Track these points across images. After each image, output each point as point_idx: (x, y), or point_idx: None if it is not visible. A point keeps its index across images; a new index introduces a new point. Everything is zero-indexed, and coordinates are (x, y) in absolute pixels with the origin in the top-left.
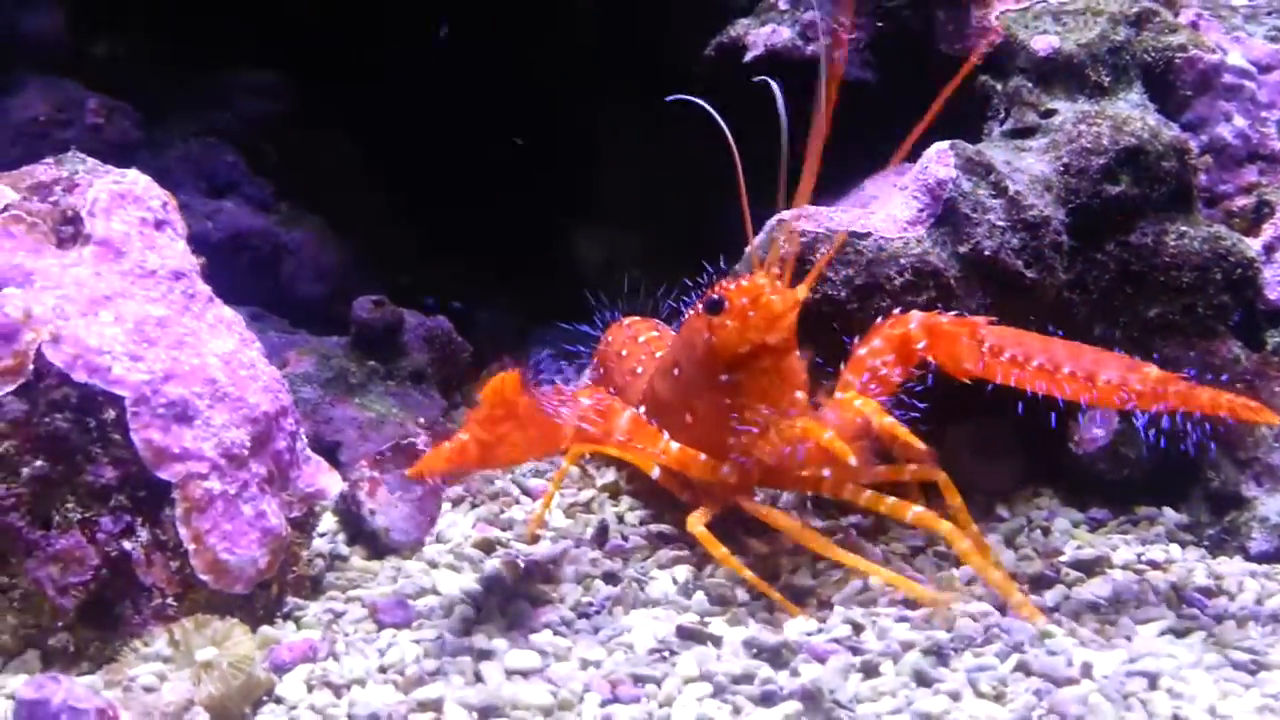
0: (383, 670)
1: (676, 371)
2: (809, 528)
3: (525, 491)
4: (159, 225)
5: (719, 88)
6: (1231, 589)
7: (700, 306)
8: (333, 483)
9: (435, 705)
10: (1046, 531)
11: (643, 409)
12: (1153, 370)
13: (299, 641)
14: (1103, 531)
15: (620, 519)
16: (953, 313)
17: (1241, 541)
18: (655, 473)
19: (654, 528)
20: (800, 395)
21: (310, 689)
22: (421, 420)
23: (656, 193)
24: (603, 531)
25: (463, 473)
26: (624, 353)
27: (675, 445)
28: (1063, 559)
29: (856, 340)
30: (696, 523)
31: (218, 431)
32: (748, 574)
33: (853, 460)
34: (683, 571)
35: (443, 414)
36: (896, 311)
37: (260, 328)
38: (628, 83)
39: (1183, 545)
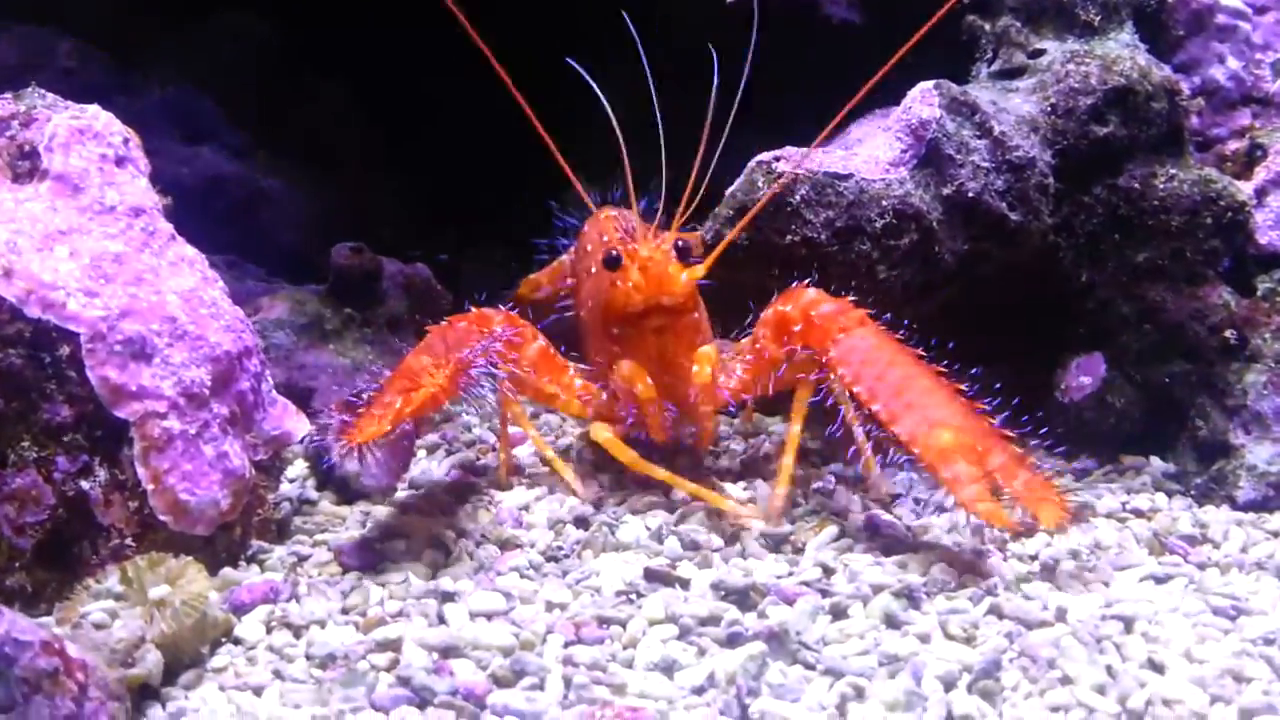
0: (345, 612)
1: (590, 303)
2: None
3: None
4: (120, 162)
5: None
6: (1217, 537)
7: (600, 257)
8: (300, 426)
9: (394, 645)
10: None
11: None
12: (946, 435)
13: (259, 583)
14: (1088, 481)
15: (596, 468)
16: (846, 299)
17: (1229, 490)
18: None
19: (630, 474)
20: (693, 353)
21: (269, 630)
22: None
23: (651, 146)
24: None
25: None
26: (589, 247)
27: (578, 382)
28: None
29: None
30: (601, 430)
31: (177, 370)
32: (662, 473)
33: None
34: (656, 518)
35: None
36: (807, 283)
37: (236, 275)
38: (624, 34)
39: (1169, 494)
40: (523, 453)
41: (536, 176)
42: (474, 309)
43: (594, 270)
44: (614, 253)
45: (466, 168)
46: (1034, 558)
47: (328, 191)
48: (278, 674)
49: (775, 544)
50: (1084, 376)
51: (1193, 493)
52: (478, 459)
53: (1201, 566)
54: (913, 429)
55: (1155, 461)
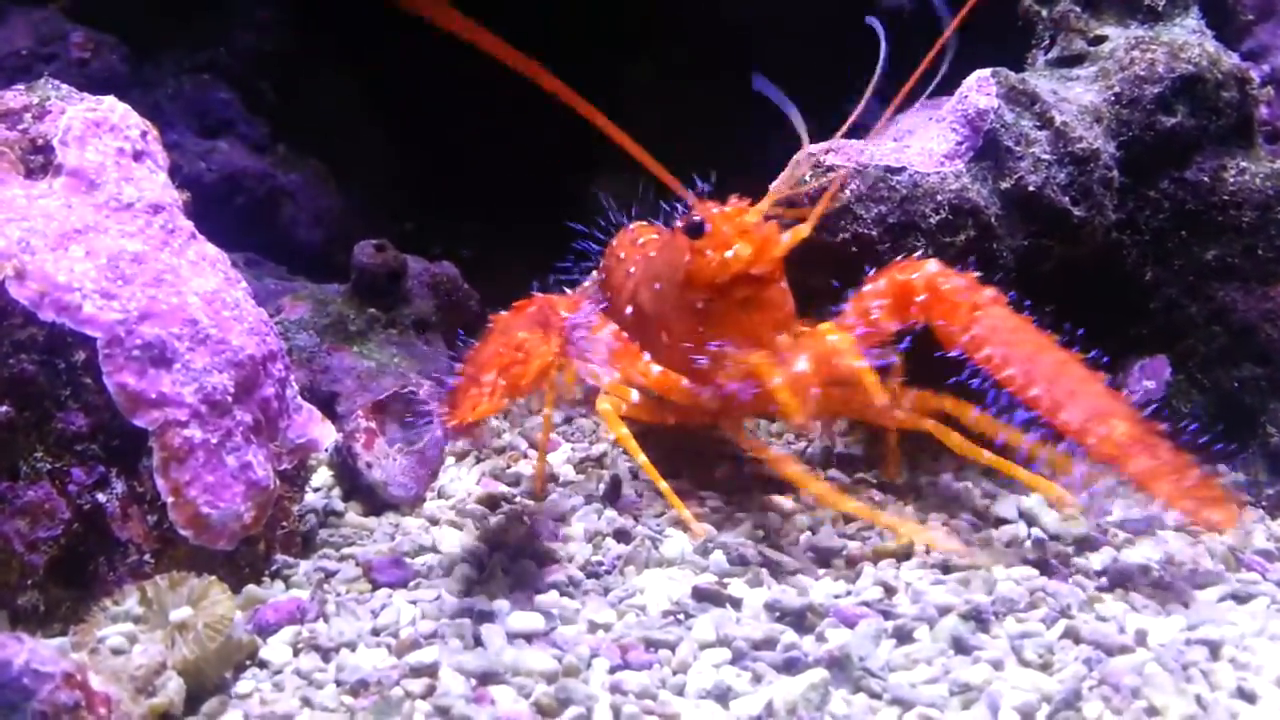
0: (375, 633)
1: (658, 286)
2: (792, 460)
3: (533, 445)
4: (138, 156)
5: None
6: None
7: (681, 225)
8: (326, 433)
9: (430, 670)
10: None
11: (630, 310)
12: (1120, 427)
13: (285, 601)
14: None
15: (634, 474)
16: (972, 274)
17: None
18: (632, 400)
19: (669, 483)
20: (781, 327)
21: (296, 652)
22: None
23: (675, 141)
24: (615, 486)
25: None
26: (622, 255)
27: (656, 369)
28: (1110, 519)
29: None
30: (604, 402)
31: (198, 376)
32: (642, 458)
33: (798, 419)
34: (699, 529)
35: (449, 363)
36: (917, 256)
37: (255, 274)
38: (650, 30)
39: (1240, 506)
40: (556, 459)
41: (560, 170)
42: (533, 296)
43: (655, 254)
44: (697, 218)
45: (489, 161)
46: (1101, 573)
47: (349, 186)
48: (306, 701)
49: (826, 558)
50: (1148, 380)
51: (1264, 503)
52: (508, 466)
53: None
54: (1084, 419)
55: (1224, 471)
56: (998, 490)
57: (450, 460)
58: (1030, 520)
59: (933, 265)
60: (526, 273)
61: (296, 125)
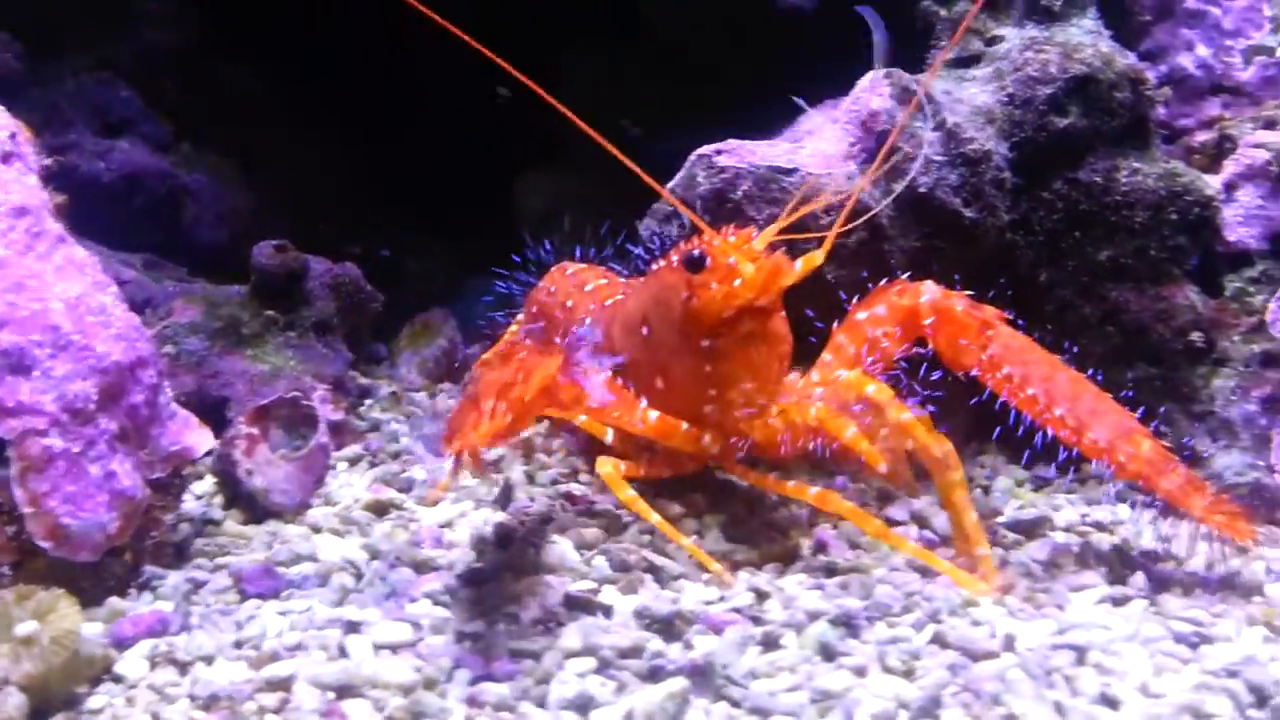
0: (238, 645)
1: (646, 330)
2: (827, 491)
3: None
4: (6, 158)
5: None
6: (1181, 553)
7: (674, 260)
8: (202, 440)
9: (285, 684)
10: (987, 490)
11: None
12: (1145, 444)
13: (146, 614)
14: (1047, 491)
15: (531, 479)
16: (965, 294)
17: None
18: (609, 437)
19: (565, 488)
20: (784, 362)
21: (153, 665)
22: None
23: (607, 134)
24: (507, 492)
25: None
26: (570, 303)
27: (654, 414)
28: (1001, 520)
29: (855, 301)
30: (605, 465)
31: (59, 383)
32: (655, 518)
33: (882, 467)
34: (587, 535)
35: (348, 366)
36: (904, 277)
37: (154, 275)
38: (579, 20)
39: (1133, 505)
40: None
41: (485, 168)
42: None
43: (632, 298)
44: (696, 251)
45: (409, 161)
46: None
47: (258, 185)
48: (155, 716)
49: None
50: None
51: (1158, 504)
52: (402, 471)
53: (1164, 585)
54: (1111, 438)
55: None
56: (892, 492)
57: (344, 465)
58: (921, 523)
59: (932, 287)
60: (447, 272)
61: (202, 123)
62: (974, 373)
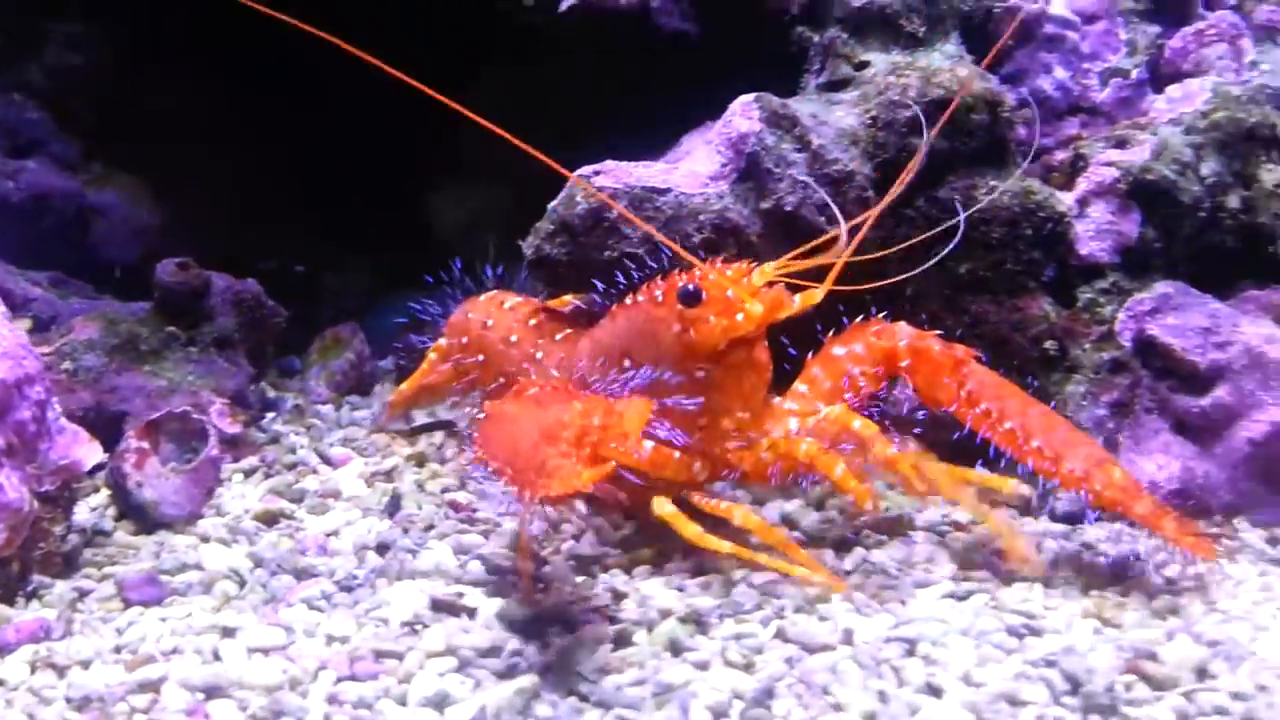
0: (117, 650)
1: (629, 364)
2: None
3: (326, 460)
4: None
5: (541, 40)
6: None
7: (657, 294)
8: (91, 454)
9: (155, 685)
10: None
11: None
12: (1116, 472)
13: (30, 621)
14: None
15: (420, 487)
16: (935, 333)
17: (1050, 503)
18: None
19: (453, 496)
20: (767, 388)
21: (34, 670)
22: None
23: (519, 152)
24: (395, 501)
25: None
26: (514, 338)
27: (649, 445)
28: (864, 520)
29: (830, 335)
30: (664, 505)
31: None
32: (726, 546)
33: (869, 505)
34: (465, 541)
35: (250, 381)
36: (882, 316)
37: (61, 293)
38: (492, 37)
39: (995, 505)
40: (348, 473)
41: (398, 185)
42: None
43: (606, 330)
44: (691, 286)
45: (328, 177)
46: (850, 572)
47: (170, 204)
48: (31, 717)
49: (583, 566)
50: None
51: (1017, 504)
52: (295, 482)
53: (1009, 582)
54: (1086, 466)
55: (984, 472)
56: (765, 495)
57: (239, 476)
58: (791, 524)
59: (907, 329)
60: (366, 287)
61: (113, 142)
62: (952, 409)
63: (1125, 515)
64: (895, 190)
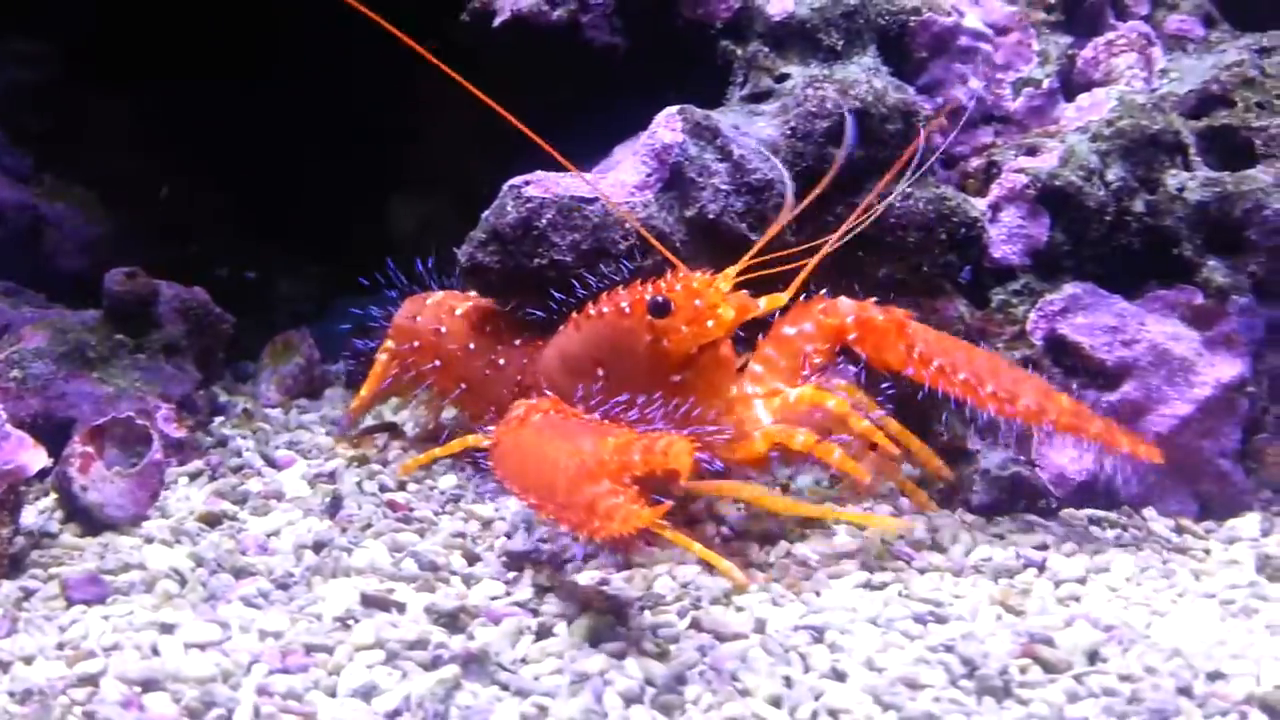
0: (60, 647)
1: (601, 372)
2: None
3: (270, 463)
4: None
5: (477, 53)
6: (945, 542)
7: (623, 305)
8: (35, 459)
9: (93, 679)
10: (786, 489)
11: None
12: (1064, 400)
13: None
14: (840, 488)
15: (361, 488)
16: (873, 301)
17: (966, 495)
18: None
19: (390, 496)
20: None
21: None
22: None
23: (468, 161)
24: (336, 502)
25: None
26: (472, 345)
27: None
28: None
29: (778, 316)
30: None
31: None
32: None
33: (867, 480)
34: (402, 539)
35: (197, 386)
36: (823, 293)
37: (13, 302)
38: (438, 48)
39: (919, 488)
40: (291, 475)
41: (352, 191)
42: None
43: (573, 340)
44: (660, 298)
45: (279, 182)
46: (771, 565)
47: (122, 214)
48: None
49: (518, 563)
50: (837, 380)
51: (935, 497)
52: (240, 484)
53: (922, 572)
54: (1039, 401)
55: (906, 468)
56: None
57: (184, 479)
58: (719, 520)
59: (848, 303)
60: (319, 293)
61: (66, 155)
62: (906, 371)
63: (1081, 436)
64: (815, 192)
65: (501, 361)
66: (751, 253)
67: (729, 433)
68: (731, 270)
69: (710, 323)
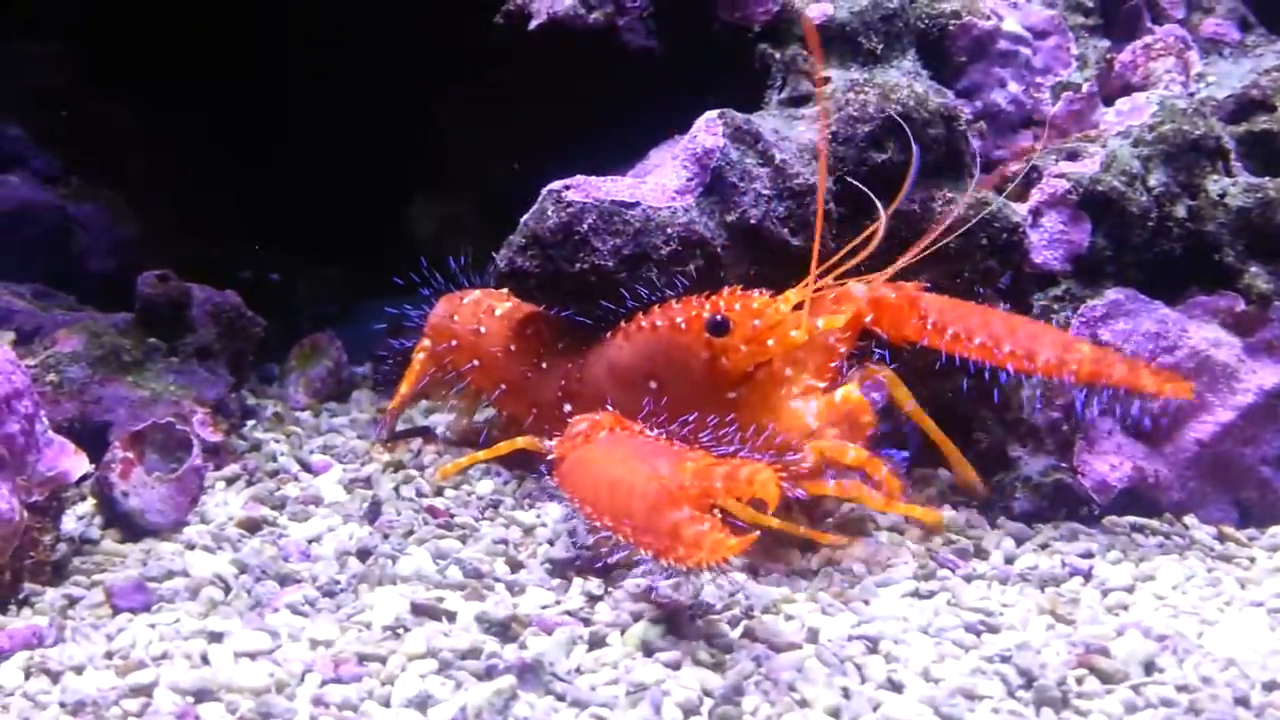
0: (109, 656)
1: (654, 385)
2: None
3: (306, 467)
4: None
5: (511, 57)
6: (990, 549)
7: (680, 321)
8: (78, 465)
9: (147, 690)
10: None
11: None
12: (1085, 347)
13: (22, 628)
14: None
15: (398, 493)
16: (883, 277)
17: (1007, 502)
18: None
19: (429, 502)
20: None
21: (28, 676)
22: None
23: (491, 164)
24: (375, 508)
25: None
26: (512, 347)
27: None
28: (830, 521)
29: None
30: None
31: None
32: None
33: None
34: (445, 546)
35: (230, 390)
36: (834, 280)
37: (44, 305)
38: (461, 53)
39: (955, 506)
40: (328, 480)
41: (373, 193)
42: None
43: (624, 352)
44: (719, 317)
45: (301, 185)
46: (815, 573)
47: (149, 215)
48: None
49: (561, 569)
50: (874, 393)
51: (975, 504)
52: (278, 489)
53: (968, 580)
54: (1059, 354)
55: (943, 473)
56: None
57: (221, 484)
58: (757, 524)
59: (859, 287)
60: (341, 296)
61: (93, 157)
62: (924, 342)
63: (1105, 383)
64: (894, 205)
65: (544, 365)
66: (816, 274)
67: (809, 461)
68: (792, 294)
69: (770, 342)
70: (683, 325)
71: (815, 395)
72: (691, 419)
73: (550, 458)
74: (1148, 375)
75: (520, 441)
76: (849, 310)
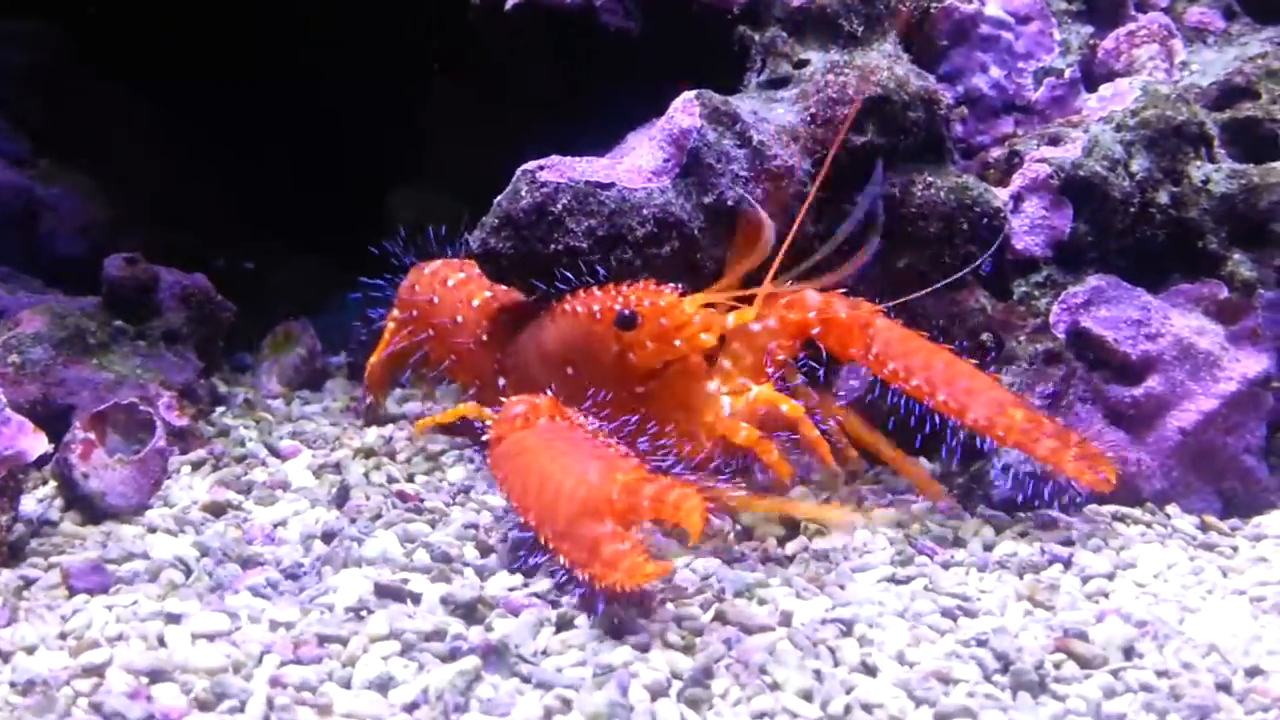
0: (62, 637)
1: (570, 371)
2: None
3: (274, 452)
4: None
5: (487, 38)
6: (968, 536)
7: (595, 311)
8: (35, 444)
9: (99, 670)
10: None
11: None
12: (1019, 414)
13: None
14: (857, 482)
15: (368, 478)
16: (840, 293)
17: (986, 490)
18: None
19: (399, 487)
20: (709, 386)
21: None
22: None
23: (469, 150)
24: (344, 492)
25: None
26: (459, 318)
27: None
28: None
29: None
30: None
31: None
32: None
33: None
34: (413, 530)
35: (198, 375)
36: (792, 285)
37: (9, 287)
38: (439, 38)
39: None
40: (296, 465)
41: (348, 182)
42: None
43: (547, 333)
44: (626, 311)
45: (277, 173)
46: (791, 559)
47: (120, 199)
48: None
49: (530, 553)
50: (852, 380)
51: (955, 492)
52: (244, 474)
53: (946, 566)
54: (989, 414)
55: (923, 462)
56: None
57: (187, 468)
58: (734, 516)
59: (814, 297)
60: (316, 283)
61: (64, 139)
62: (865, 365)
63: (1029, 454)
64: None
65: (485, 337)
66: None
67: (742, 489)
68: (700, 296)
69: (678, 342)
70: (598, 315)
71: (741, 394)
72: (605, 412)
73: (485, 438)
74: (1071, 461)
75: (464, 409)
76: (777, 316)
